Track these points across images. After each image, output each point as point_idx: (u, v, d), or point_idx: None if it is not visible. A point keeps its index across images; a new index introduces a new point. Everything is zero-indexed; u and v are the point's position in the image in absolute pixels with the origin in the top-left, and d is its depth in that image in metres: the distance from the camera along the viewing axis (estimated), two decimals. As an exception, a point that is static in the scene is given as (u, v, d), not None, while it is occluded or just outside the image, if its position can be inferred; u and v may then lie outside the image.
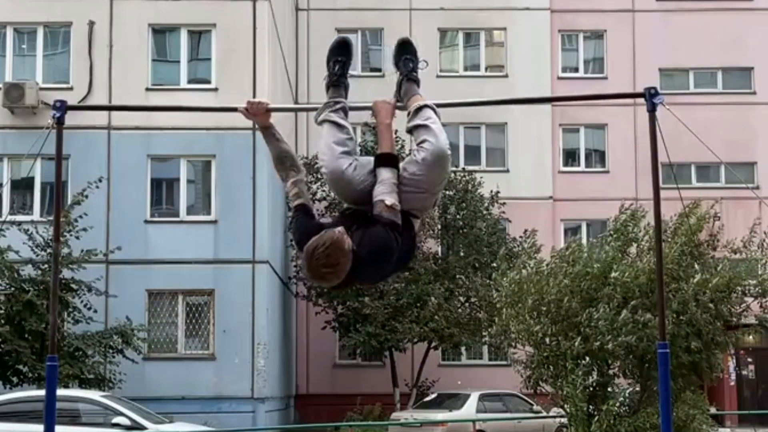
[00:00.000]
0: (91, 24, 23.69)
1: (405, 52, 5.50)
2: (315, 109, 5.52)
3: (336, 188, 5.15)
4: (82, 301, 20.22)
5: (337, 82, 5.36)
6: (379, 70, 32.07)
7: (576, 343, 15.55)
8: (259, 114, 5.40)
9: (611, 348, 15.36)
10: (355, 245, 4.74)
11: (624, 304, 15.49)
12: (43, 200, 23.44)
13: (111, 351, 20.58)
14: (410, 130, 5.22)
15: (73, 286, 20.03)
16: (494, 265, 20.79)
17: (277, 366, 25.59)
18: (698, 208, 16.86)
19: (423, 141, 5.09)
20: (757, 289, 16.70)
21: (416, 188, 5.07)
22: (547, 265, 16.86)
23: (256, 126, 5.58)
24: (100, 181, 21.28)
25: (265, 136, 5.42)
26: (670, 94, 19.04)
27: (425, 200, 5.21)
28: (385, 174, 5.00)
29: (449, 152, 5.14)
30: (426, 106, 5.20)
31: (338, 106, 5.24)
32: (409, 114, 5.24)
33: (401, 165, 5.10)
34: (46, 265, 19.60)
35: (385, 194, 4.93)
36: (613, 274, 15.63)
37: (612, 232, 17.20)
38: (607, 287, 15.73)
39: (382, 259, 4.92)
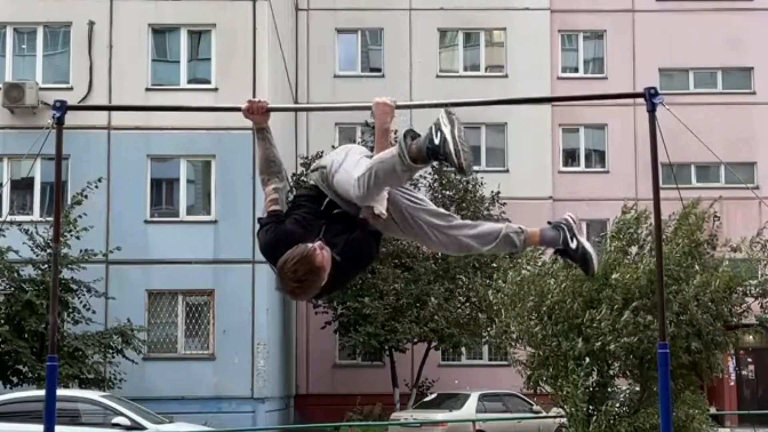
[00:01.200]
0: (91, 24, 23.68)
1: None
2: (315, 109, 5.49)
3: (339, 187, 4.91)
4: (81, 302, 20.22)
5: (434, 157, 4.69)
6: (379, 69, 32.10)
7: (578, 344, 15.56)
8: (259, 113, 5.26)
9: (613, 349, 15.36)
10: (336, 252, 4.68)
11: (625, 305, 15.49)
12: (43, 200, 23.43)
13: (111, 351, 20.58)
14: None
15: (73, 286, 20.03)
16: (494, 265, 20.78)
17: (277, 366, 25.58)
18: (696, 206, 16.84)
19: (493, 236, 5.10)
20: (757, 289, 16.70)
21: (406, 231, 5.07)
22: (544, 264, 16.87)
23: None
24: (100, 181, 21.28)
25: (259, 137, 5.25)
26: (670, 94, 19.03)
27: (392, 232, 5.19)
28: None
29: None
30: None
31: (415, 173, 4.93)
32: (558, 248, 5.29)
33: (426, 206, 5.05)
34: (46, 266, 19.60)
35: (379, 202, 4.84)
36: (614, 276, 15.62)
37: (614, 233, 17.19)
38: (608, 288, 15.73)
39: (361, 267, 4.96)
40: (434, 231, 5.02)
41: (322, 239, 4.73)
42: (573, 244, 5.15)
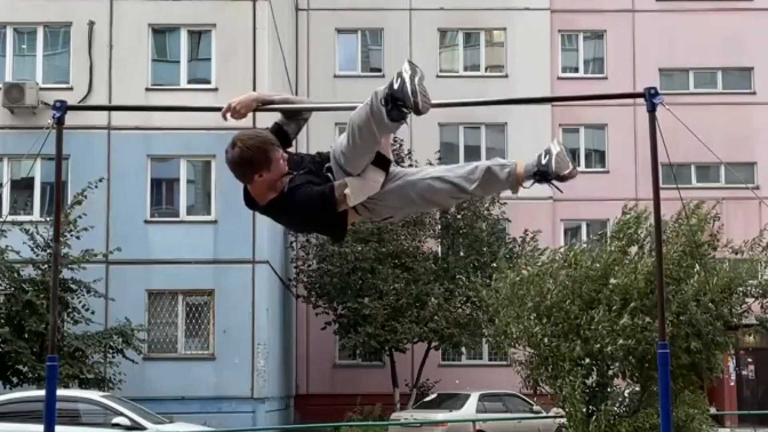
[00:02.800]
0: (91, 24, 23.68)
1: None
2: (315, 109, 5.50)
3: (336, 148, 5.05)
4: (80, 302, 20.22)
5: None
6: (380, 70, 32.08)
7: (576, 346, 15.55)
8: (241, 119, 5.29)
9: (611, 351, 15.36)
10: (288, 185, 4.89)
11: (623, 306, 15.47)
12: (43, 200, 23.43)
13: (111, 351, 20.57)
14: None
15: (73, 286, 20.03)
16: (494, 265, 20.78)
17: (277, 366, 25.59)
18: (700, 208, 16.84)
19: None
20: (758, 289, 16.70)
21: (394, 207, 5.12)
22: (543, 264, 16.88)
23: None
24: (101, 181, 21.29)
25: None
26: (670, 94, 19.04)
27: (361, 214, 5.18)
28: (370, 173, 4.95)
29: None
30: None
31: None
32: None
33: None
34: (46, 266, 19.60)
35: (354, 187, 4.89)
36: (612, 281, 15.59)
37: (614, 233, 17.19)
38: (606, 289, 15.72)
39: (295, 214, 5.01)
40: (423, 182, 5.02)
41: (294, 172, 4.95)
42: (545, 159, 5.00)
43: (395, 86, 4.66)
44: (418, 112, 4.66)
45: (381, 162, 4.97)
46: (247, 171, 4.91)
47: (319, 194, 4.89)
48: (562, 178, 4.97)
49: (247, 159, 4.85)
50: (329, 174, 5.02)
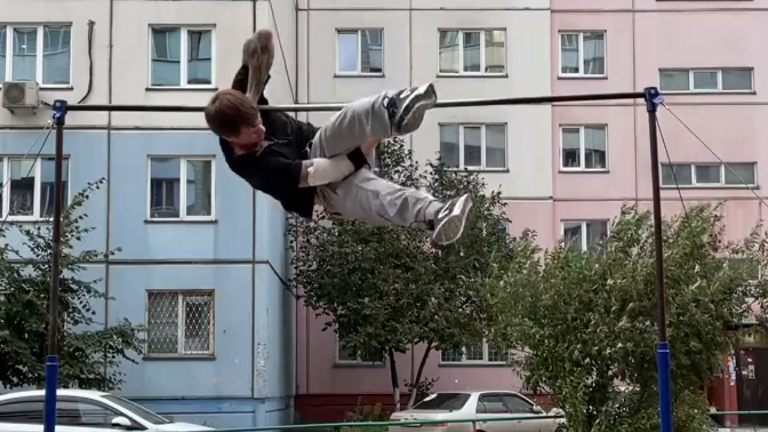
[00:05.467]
0: (91, 24, 23.69)
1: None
2: (315, 109, 5.53)
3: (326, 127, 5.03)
4: (81, 302, 20.22)
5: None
6: (379, 70, 32.08)
7: (576, 349, 15.52)
8: None
9: (609, 353, 15.34)
10: (262, 150, 4.99)
11: (622, 307, 15.43)
12: (43, 200, 23.43)
13: (111, 351, 20.58)
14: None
15: (73, 286, 20.03)
16: (494, 264, 20.76)
17: (277, 366, 25.58)
18: (703, 212, 16.81)
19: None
20: (757, 289, 16.68)
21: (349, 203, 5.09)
22: (534, 264, 16.87)
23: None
24: (101, 182, 21.29)
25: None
26: (670, 94, 19.01)
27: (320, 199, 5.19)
28: (339, 162, 4.95)
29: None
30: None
31: None
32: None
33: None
34: (46, 266, 19.59)
35: (319, 167, 4.91)
36: (609, 282, 15.55)
37: (614, 234, 17.16)
38: (604, 291, 15.68)
39: (265, 181, 5.13)
40: (366, 191, 4.97)
41: (272, 139, 5.03)
42: (442, 214, 4.78)
43: (401, 95, 4.62)
44: (399, 127, 4.62)
45: (356, 158, 4.97)
46: (218, 130, 5.14)
47: (285, 166, 4.98)
48: (440, 244, 4.86)
49: (220, 120, 5.06)
50: (308, 149, 5.06)
